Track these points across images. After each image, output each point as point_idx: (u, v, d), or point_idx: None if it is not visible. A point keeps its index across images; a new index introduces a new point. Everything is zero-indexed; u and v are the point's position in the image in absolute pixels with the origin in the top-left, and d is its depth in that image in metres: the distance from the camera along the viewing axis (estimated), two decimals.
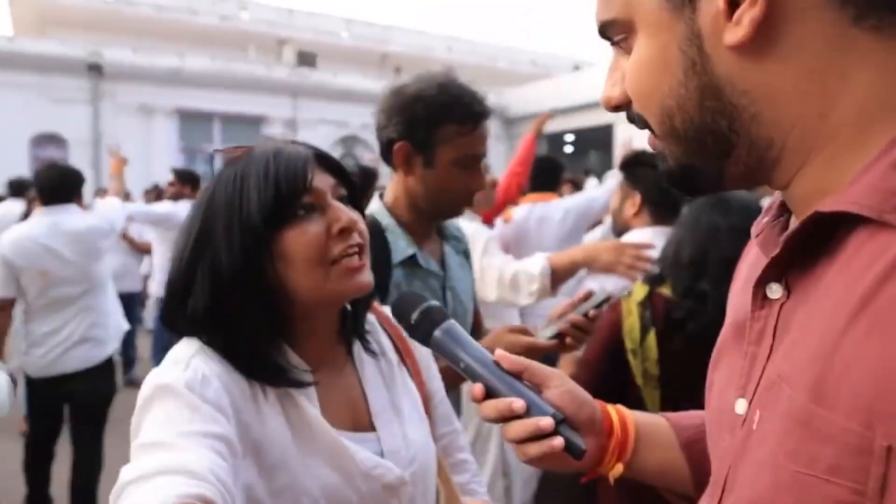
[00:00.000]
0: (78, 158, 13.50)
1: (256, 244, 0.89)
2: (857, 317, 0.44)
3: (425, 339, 0.84)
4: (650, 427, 0.86)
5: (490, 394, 0.77)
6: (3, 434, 4.38)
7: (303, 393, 0.93)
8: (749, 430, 0.54)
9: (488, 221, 3.86)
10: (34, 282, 3.11)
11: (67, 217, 3.21)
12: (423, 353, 1.15)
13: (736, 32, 0.49)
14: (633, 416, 0.86)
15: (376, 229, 1.49)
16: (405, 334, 1.10)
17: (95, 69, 14.05)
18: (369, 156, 11.08)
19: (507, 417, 0.75)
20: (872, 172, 0.47)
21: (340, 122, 17.18)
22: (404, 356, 1.11)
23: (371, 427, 0.99)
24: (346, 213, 0.93)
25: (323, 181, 0.94)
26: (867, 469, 0.41)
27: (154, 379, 0.84)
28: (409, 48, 20.31)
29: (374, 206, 1.59)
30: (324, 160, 0.97)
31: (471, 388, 0.79)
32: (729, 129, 0.53)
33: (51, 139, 13.89)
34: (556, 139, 17.86)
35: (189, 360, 0.87)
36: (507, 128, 18.05)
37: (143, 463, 0.72)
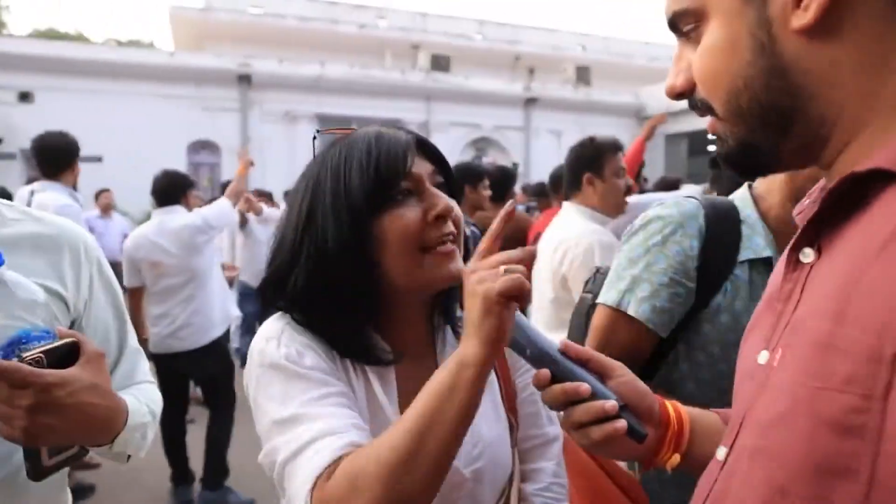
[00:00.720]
0: (228, 163, 14.44)
1: (358, 225, 0.91)
2: (885, 248, 0.49)
3: None
4: (703, 420, 0.89)
5: (555, 380, 0.80)
6: None
7: (381, 378, 0.96)
8: (769, 368, 0.59)
9: None
10: (149, 272, 3.68)
11: (172, 217, 3.71)
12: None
13: (802, 17, 0.54)
14: (688, 411, 0.89)
15: (731, 217, 1.37)
16: None
17: (245, 79, 14.94)
18: (488, 159, 11.00)
19: (573, 401, 0.79)
20: None
21: (472, 125, 17.29)
22: None
23: None
24: (444, 199, 0.94)
25: (422, 167, 0.95)
26: (876, 375, 0.46)
27: (257, 359, 0.92)
28: (542, 48, 20.07)
29: (739, 194, 1.44)
30: (424, 146, 0.98)
31: (535, 375, 0.82)
32: (791, 106, 0.57)
33: (205, 145, 14.92)
34: (690, 139, 16.98)
35: (279, 337, 0.93)
36: (643, 126, 17.41)
37: (285, 441, 0.84)
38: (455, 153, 16.66)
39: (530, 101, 17.62)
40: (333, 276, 0.92)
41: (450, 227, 0.94)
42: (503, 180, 4.46)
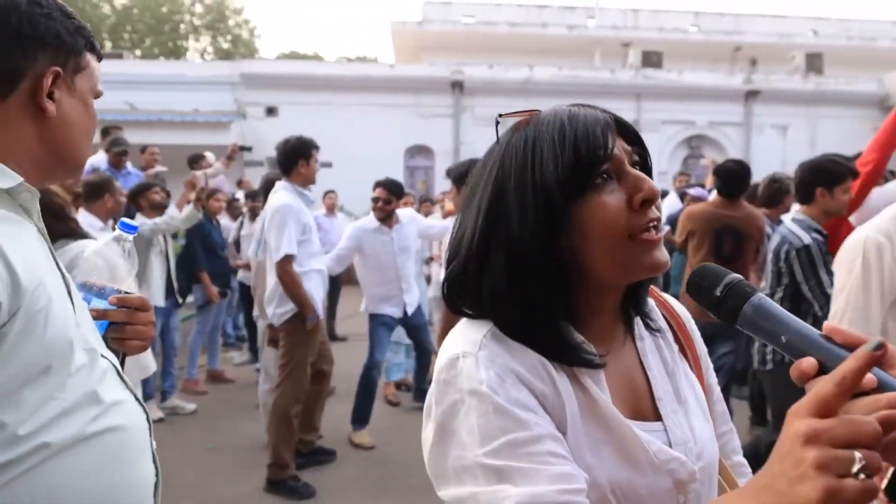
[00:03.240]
0: (440, 166, 15.17)
1: (552, 213, 0.82)
2: None
3: (733, 315, 0.77)
4: None
5: (822, 370, 0.67)
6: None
7: (590, 375, 0.85)
8: None
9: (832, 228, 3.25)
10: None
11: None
12: (701, 346, 1.04)
13: None
14: None
15: None
16: (684, 320, 1.03)
17: (457, 86, 15.62)
18: (707, 158, 10.39)
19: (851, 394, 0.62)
20: None
21: (686, 122, 16.53)
22: (685, 346, 1.00)
23: (654, 415, 0.90)
24: (648, 182, 0.84)
25: (621, 148, 0.86)
26: None
27: (451, 378, 0.81)
28: (766, 37, 18.61)
29: None
30: (620, 125, 0.89)
31: (797, 365, 0.69)
32: None
33: (420, 150, 15.84)
34: None
35: (477, 353, 0.82)
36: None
37: (488, 495, 0.75)
38: (667, 152, 16.07)
39: (751, 94, 16.46)
40: (526, 271, 0.83)
41: (655, 212, 0.84)
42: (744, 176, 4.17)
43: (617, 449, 0.82)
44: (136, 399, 1.03)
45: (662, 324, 0.99)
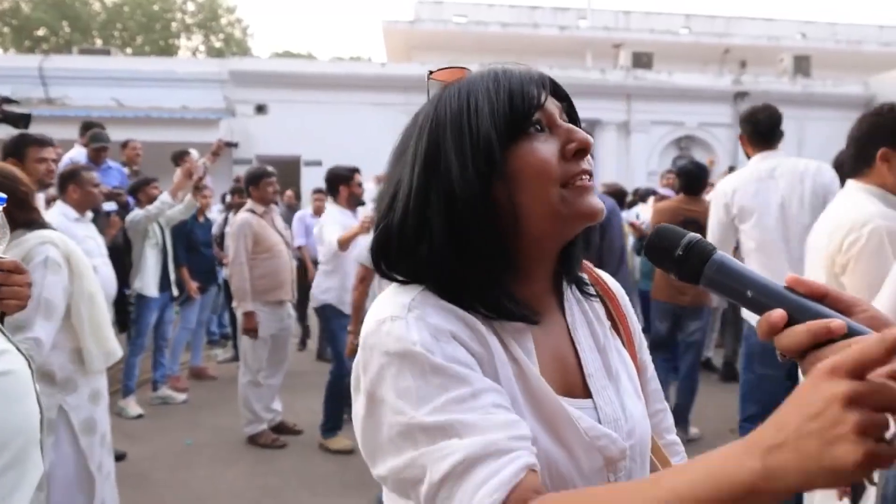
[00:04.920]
0: None
1: (490, 163, 0.80)
2: None
3: (694, 275, 0.75)
4: None
5: (791, 321, 0.67)
6: None
7: (520, 345, 0.83)
8: None
9: None
10: None
11: None
12: (635, 323, 1.03)
13: None
14: None
15: None
16: (618, 296, 1.01)
17: None
18: (708, 158, 10.52)
19: (821, 343, 0.64)
20: None
21: (675, 123, 16.61)
22: (619, 322, 0.98)
23: (584, 392, 0.87)
24: (581, 133, 0.83)
25: (553, 103, 0.86)
26: None
27: (379, 343, 0.77)
28: (756, 39, 18.76)
29: None
30: (553, 84, 0.87)
31: (765, 317, 0.67)
32: None
33: None
34: None
35: (406, 315, 0.77)
36: None
37: (435, 455, 0.70)
38: (657, 153, 16.13)
39: (740, 96, 16.52)
40: (466, 224, 0.80)
41: (587, 164, 0.83)
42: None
43: (545, 424, 0.79)
44: (18, 349, 1.13)
45: (597, 304, 0.97)
